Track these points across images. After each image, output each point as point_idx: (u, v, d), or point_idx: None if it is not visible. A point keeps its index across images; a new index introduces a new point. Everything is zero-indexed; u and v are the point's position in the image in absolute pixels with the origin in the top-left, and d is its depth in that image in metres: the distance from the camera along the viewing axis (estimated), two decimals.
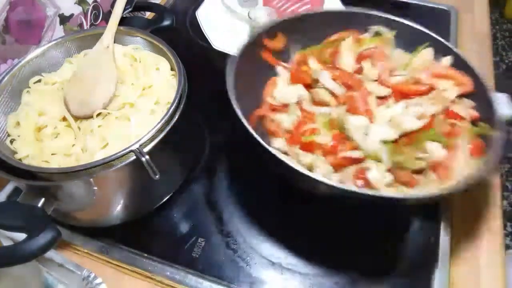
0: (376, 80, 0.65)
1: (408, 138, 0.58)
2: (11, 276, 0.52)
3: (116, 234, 0.63)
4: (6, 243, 0.56)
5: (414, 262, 0.60)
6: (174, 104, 0.57)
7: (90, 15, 0.87)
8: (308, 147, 0.58)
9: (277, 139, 0.61)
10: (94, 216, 0.63)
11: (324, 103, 0.62)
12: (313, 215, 0.64)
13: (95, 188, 0.55)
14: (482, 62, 0.90)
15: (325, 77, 0.63)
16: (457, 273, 0.59)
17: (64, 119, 0.60)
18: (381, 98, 0.63)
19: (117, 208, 0.61)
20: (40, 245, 0.45)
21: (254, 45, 0.68)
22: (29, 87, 0.64)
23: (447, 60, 0.66)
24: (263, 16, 0.88)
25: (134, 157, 0.52)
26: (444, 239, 0.61)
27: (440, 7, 1.03)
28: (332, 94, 0.62)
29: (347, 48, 0.68)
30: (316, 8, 0.75)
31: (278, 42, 0.70)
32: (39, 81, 0.65)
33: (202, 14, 1.00)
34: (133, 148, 0.52)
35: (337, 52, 0.68)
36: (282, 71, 0.71)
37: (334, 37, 0.72)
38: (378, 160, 0.56)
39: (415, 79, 0.64)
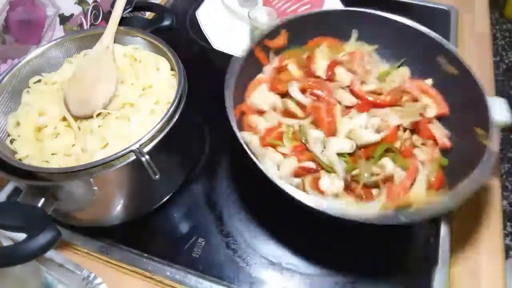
0: (348, 86, 0.65)
1: (366, 151, 0.58)
2: (11, 276, 0.52)
3: (116, 234, 0.63)
4: (6, 243, 0.56)
5: (414, 262, 0.60)
6: (174, 104, 0.57)
7: (90, 15, 0.87)
8: (274, 148, 0.60)
9: (253, 135, 0.62)
10: (94, 216, 0.63)
11: (293, 114, 0.63)
12: (313, 215, 0.64)
13: (95, 188, 0.55)
14: (482, 62, 0.90)
15: (294, 89, 0.64)
16: (457, 273, 0.59)
17: (64, 119, 0.60)
18: (349, 107, 0.63)
19: (117, 208, 0.61)
20: (40, 245, 0.45)
21: (257, 46, 0.69)
22: (29, 87, 0.64)
23: (428, 81, 0.66)
24: (263, 16, 0.88)
25: (134, 157, 0.52)
26: (444, 239, 0.61)
27: (440, 7, 1.03)
28: (301, 105, 0.63)
29: (322, 54, 0.69)
30: (315, 9, 0.75)
31: (280, 40, 0.71)
32: (39, 81, 0.65)
33: (202, 14, 1.00)
34: (133, 148, 0.52)
35: (312, 57, 0.69)
36: (267, 71, 0.71)
37: (313, 41, 0.73)
38: (333, 171, 0.56)
39: (393, 87, 0.64)
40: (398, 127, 0.59)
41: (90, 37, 0.69)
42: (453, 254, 0.60)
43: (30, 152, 0.57)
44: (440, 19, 1.00)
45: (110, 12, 0.70)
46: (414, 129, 0.61)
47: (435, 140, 0.60)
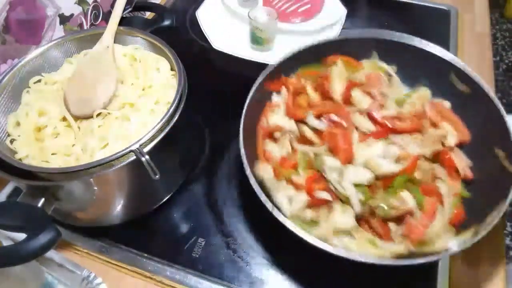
0: (365, 111, 0.61)
1: (385, 181, 0.54)
2: (11, 276, 0.52)
3: (116, 234, 0.63)
4: (6, 243, 0.56)
5: (414, 262, 0.60)
6: (174, 104, 0.57)
7: (90, 15, 0.87)
8: (288, 181, 0.57)
9: (264, 165, 0.59)
10: (94, 216, 0.63)
11: (309, 141, 0.60)
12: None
13: (95, 188, 0.55)
14: (482, 62, 0.90)
15: (311, 117, 0.61)
16: (457, 273, 0.59)
17: (64, 119, 0.60)
18: (366, 133, 0.59)
19: (117, 208, 0.61)
20: (40, 245, 0.45)
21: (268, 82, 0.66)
22: (29, 87, 0.64)
23: (447, 103, 0.62)
24: (263, 16, 0.88)
25: (134, 157, 0.52)
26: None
27: (440, 7, 1.03)
28: (317, 132, 0.61)
29: (338, 74, 0.65)
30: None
31: (295, 81, 0.68)
32: (39, 81, 0.65)
33: (202, 14, 1.00)
34: (133, 148, 0.52)
35: (328, 77, 0.65)
36: (284, 93, 0.67)
37: (329, 58, 0.69)
38: (348, 203, 0.53)
39: (413, 113, 0.60)
40: (418, 156, 0.56)
41: (90, 37, 0.69)
42: (453, 255, 0.60)
43: (30, 152, 0.56)
44: (440, 19, 1.00)
45: (110, 12, 0.70)
46: (435, 158, 0.58)
47: (457, 171, 0.57)
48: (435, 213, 0.52)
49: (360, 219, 0.54)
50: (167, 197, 0.66)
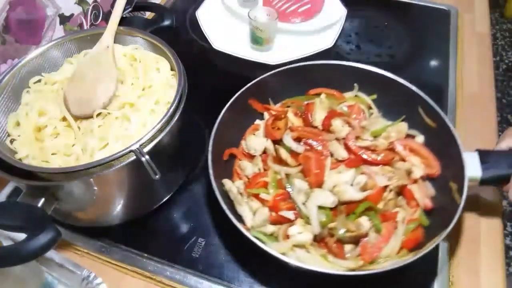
0: (343, 139, 0.64)
1: (349, 207, 0.57)
2: (11, 276, 0.52)
3: (116, 234, 0.63)
4: (6, 243, 0.56)
5: (414, 262, 0.60)
6: (174, 104, 0.57)
7: (90, 15, 0.87)
8: (256, 197, 0.61)
9: (236, 181, 0.63)
10: (94, 216, 0.63)
11: (283, 162, 0.63)
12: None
13: (95, 188, 0.55)
14: (482, 62, 0.90)
15: (288, 138, 0.64)
16: (457, 274, 0.59)
17: (64, 119, 0.60)
18: (340, 160, 0.62)
19: (117, 208, 0.61)
20: (40, 245, 0.45)
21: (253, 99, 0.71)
22: (29, 87, 0.64)
23: (421, 138, 0.65)
24: (263, 16, 0.88)
25: (134, 157, 0.52)
26: (444, 239, 0.61)
27: (440, 7, 1.03)
28: (294, 154, 0.63)
29: (321, 105, 0.69)
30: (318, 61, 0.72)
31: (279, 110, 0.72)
32: (39, 81, 0.65)
33: (202, 14, 1.00)
34: (133, 148, 0.52)
35: (311, 106, 0.69)
36: (267, 117, 0.71)
37: (314, 91, 0.73)
38: (309, 223, 0.56)
39: (387, 145, 0.63)
40: (385, 187, 0.59)
41: (90, 37, 0.69)
42: (453, 255, 0.60)
43: (30, 152, 0.57)
44: (440, 19, 1.00)
45: (110, 12, 0.70)
46: (399, 189, 0.60)
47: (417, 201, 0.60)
48: (390, 238, 0.56)
49: (318, 240, 0.57)
50: (167, 197, 0.66)
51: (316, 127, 0.67)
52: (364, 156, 0.62)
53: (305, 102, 0.72)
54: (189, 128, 0.72)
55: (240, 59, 0.89)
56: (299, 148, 0.63)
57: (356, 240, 0.56)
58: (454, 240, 0.62)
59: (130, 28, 0.70)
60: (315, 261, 0.54)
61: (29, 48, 0.74)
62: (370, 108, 0.72)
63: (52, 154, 0.57)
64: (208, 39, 0.93)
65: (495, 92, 0.84)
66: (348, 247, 0.56)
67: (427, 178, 0.62)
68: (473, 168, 0.56)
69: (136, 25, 0.71)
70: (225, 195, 0.60)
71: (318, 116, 0.68)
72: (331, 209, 0.57)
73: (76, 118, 0.60)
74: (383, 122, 0.68)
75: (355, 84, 0.72)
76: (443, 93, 0.82)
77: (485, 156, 0.57)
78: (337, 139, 0.64)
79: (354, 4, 1.01)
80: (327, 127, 0.66)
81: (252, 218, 0.59)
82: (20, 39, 0.72)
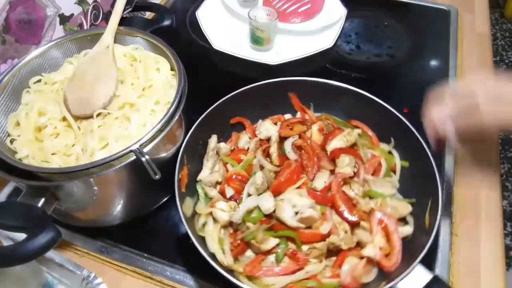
0: (331, 171, 0.60)
1: (276, 224, 0.55)
2: (11, 276, 0.52)
3: (116, 234, 0.63)
4: (6, 243, 0.56)
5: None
6: (174, 104, 0.57)
7: (90, 15, 0.87)
8: (224, 165, 0.65)
9: (223, 143, 0.67)
10: (94, 216, 0.63)
11: (269, 156, 0.63)
12: None
13: (95, 188, 0.55)
14: (482, 62, 0.90)
15: (289, 141, 0.64)
16: (457, 274, 0.59)
17: (64, 119, 0.60)
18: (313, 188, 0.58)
19: (117, 208, 0.61)
20: (40, 245, 0.45)
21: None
22: (29, 87, 0.64)
23: (408, 229, 0.57)
24: (263, 16, 0.88)
25: (134, 157, 0.52)
26: (444, 239, 0.61)
27: (440, 7, 1.03)
28: (283, 156, 0.63)
29: (347, 135, 0.64)
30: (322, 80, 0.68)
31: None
32: (39, 81, 0.65)
33: (202, 14, 1.00)
34: (133, 148, 0.52)
35: (337, 132, 0.65)
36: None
37: (356, 123, 0.69)
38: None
39: (368, 209, 0.57)
40: (323, 235, 0.55)
41: (90, 37, 0.69)
42: (453, 254, 0.60)
43: (30, 152, 0.57)
44: (440, 19, 1.00)
45: (110, 12, 0.70)
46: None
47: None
48: (285, 274, 0.53)
49: (233, 227, 0.58)
50: (167, 197, 0.66)
51: (325, 151, 0.63)
52: (339, 204, 0.56)
53: (336, 126, 0.68)
54: (189, 128, 0.72)
55: (240, 59, 0.89)
56: (290, 154, 0.63)
57: (258, 251, 0.55)
58: (454, 240, 0.62)
59: (130, 28, 0.70)
60: (212, 240, 0.55)
61: (29, 48, 0.74)
62: (393, 171, 0.65)
63: (52, 154, 0.57)
64: (208, 39, 0.93)
65: None
66: (249, 253, 0.56)
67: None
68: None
69: (136, 25, 0.71)
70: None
71: (334, 143, 0.63)
72: (265, 215, 0.56)
73: (76, 118, 0.60)
74: (391, 191, 0.60)
75: (392, 139, 0.66)
76: None
77: None
78: (330, 172, 0.60)
79: (354, 4, 1.01)
80: (333, 156, 0.62)
81: (207, 173, 0.63)
82: (20, 39, 0.72)
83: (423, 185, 0.58)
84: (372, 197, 0.59)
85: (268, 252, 0.55)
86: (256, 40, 0.89)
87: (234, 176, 0.62)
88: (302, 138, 0.65)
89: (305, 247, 0.55)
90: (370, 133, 0.69)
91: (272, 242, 0.55)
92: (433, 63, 0.91)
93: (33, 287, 0.56)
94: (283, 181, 0.58)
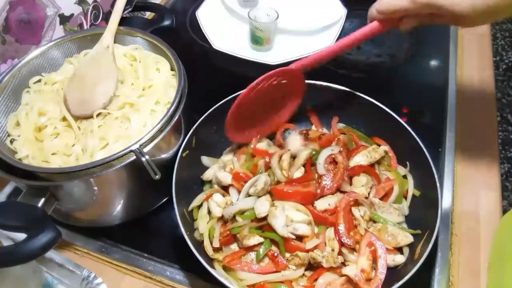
0: (341, 192, 0.58)
1: (266, 226, 0.55)
2: (11, 276, 0.52)
3: (116, 234, 0.63)
4: (6, 243, 0.56)
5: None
6: (174, 104, 0.57)
7: (90, 15, 0.87)
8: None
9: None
10: (94, 216, 0.63)
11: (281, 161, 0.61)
12: None
13: (95, 188, 0.55)
14: (482, 62, 0.90)
15: (306, 151, 0.62)
16: (457, 274, 0.59)
17: (64, 119, 0.60)
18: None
19: (117, 208, 0.61)
20: (40, 245, 0.45)
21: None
22: (29, 87, 0.64)
23: (400, 258, 0.55)
24: (263, 16, 0.88)
25: (134, 157, 0.52)
26: (444, 239, 0.61)
27: None
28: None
29: (368, 152, 0.63)
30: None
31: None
32: (39, 81, 0.65)
33: (202, 14, 1.00)
34: (133, 148, 0.52)
35: (360, 148, 0.64)
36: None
37: (379, 141, 0.67)
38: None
39: (364, 232, 0.55)
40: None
41: (90, 37, 0.70)
42: (452, 255, 0.60)
43: (30, 152, 0.57)
44: None
45: (110, 12, 0.71)
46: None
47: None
48: (264, 274, 0.54)
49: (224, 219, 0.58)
50: (167, 197, 0.66)
51: (346, 166, 0.60)
52: (339, 222, 0.54)
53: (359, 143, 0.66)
54: (189, 128, 0.72)
55: (240, 59, 0.89)
56: (320, 167, 0.59)
57: (241, 246, 0.55)
58: (454, 240, 0.62)
59: (130, 28, 0.70)
60: (202, 224, 0.58)
61: (29, 48, 0.74)
62: (405, 196, 0.62)
63: (52, 154, 0.57)
64: (208, 39, 0.93)
65: (495, 92, 0.84)
66: (234, 246, 0.57)
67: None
68: None
69: (136, 25, 0.71)
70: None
71: (357, 159, 0.62)
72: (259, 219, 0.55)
73: (76, 118, 0.60)
74: (397, 219, 0.58)
75: (408, 163, 0.64)
76: (443, 93, 0.82)
77: None
78: (341, 191, 0.58)
79: (354, 4, 1.01)
80: (352, 173, 0.60)
81: (217, 167, 0.64)
82: (20, 39, 0.72)
83: (424, 217, 0.56)
84: (376, 221, 0.58)
85: (251, 248, 0.55)
86: (256, 40, 0.89)
87: (240, 171, 0.61)
88: (342, 155, 0.60)
89: (287, 254, 0.55)
90: (391, 154, 0.65)
91: (255, 239, 0.54)
92: (433, 63, 0.91)
93: (33, 287, 0.56)
94: (291, 193, 0.57)
